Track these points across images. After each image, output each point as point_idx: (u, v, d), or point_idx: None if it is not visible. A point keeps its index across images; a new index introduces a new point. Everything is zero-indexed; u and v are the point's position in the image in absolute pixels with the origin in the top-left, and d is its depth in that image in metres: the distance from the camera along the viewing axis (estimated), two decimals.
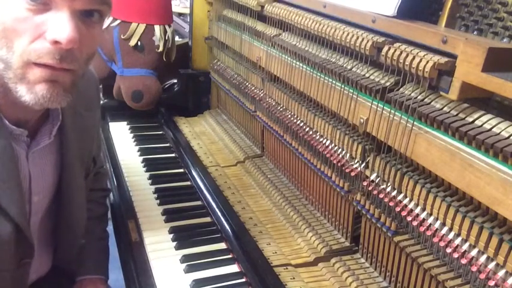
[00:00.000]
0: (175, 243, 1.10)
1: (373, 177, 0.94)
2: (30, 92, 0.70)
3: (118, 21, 1.64)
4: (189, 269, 1.01)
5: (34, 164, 0.86)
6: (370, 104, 0.92)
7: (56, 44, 0.68)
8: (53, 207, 0.95)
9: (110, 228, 1.22)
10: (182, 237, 1.12)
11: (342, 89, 1.01)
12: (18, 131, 0.80)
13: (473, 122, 0.73)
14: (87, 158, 1.00)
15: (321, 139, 1.10)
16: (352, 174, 0.99)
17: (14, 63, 0.68)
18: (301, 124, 1.18)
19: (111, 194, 1.33)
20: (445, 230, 0.78)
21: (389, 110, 0.87)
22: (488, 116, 0.72)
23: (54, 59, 0.68)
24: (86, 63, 0.76)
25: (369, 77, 0.95)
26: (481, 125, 0.71)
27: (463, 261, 0.74)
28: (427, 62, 0.77)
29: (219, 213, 1.18)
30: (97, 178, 1.18)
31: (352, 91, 0.97)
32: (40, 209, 0.91)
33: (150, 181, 1.39)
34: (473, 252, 0.73)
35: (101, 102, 1.88)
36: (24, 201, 0.82)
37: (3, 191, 0.77)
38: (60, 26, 0.67)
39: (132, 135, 1.70)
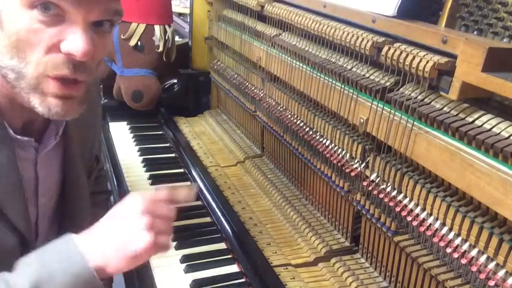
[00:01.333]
0: (175, 243, 1.10)
1: (373, 177, 0.94)
2: (44, 105, 0.70)
3: None
4: (189, 269, 1.01)
5: (42, 167, 0.86)
6: (370, 104, 0.92)
7: (70, 55, 0.68)
8: (57, 206, 0.94)
9: None
10: (182, 237, 1.12)
11: (342, 89, 1.01)
12: (26, 140, 0.80)
13: (473, 122, 0.73)
14: (88, 155, 1.00)
15: (321, 139, 1.10)
16: (352, 174, 0.99)
17: (28, 73, 0.68)
18: (301, 124, 1.18)
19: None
20: (445, 230, 0.78)
21: (389, 110, 0.87)
22: (488, 116, 0.72)
23: (68, 69, 0.68)
24: (96, 69, 0.77)
25: (369, 77, 0.95)
26: (481, 125, 0.71)
27: (463, 261, 0.74)
28: (427, 62, 0.77)
29: (219, 213, 1.18)
30: (98, 181, 1.17)
31: (352, 91, 0.97)
32: (47, 210, 0.91)
33: (150, 181, 1.39)
34: (473, 252, 0.73)
35: (101, 102, 1.89)
36: (28, 213, 0.81)
37: (12, 204, 0.76)
38: (75, 39, 0.67)
39: (132, 135, 1.70)
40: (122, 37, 1.63)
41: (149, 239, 0.69)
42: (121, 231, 0.70)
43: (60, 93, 0.70)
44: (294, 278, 0.99)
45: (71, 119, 0.89)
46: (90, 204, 1.02)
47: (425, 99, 0.82)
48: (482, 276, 0.71)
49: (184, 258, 1.04)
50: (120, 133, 1.72)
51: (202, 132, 1.75)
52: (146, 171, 1.45)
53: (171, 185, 0.78)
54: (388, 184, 0.90)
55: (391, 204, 0.88)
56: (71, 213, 0.96)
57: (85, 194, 0.98)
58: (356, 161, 1.00)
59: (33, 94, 0.70)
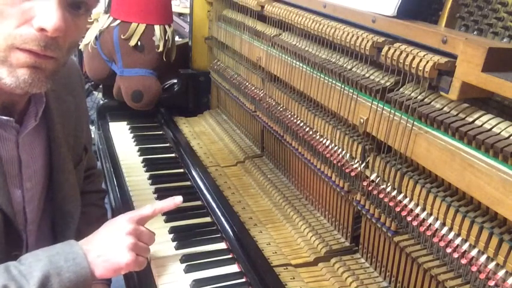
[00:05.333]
0: (175, 243, 1.10)
1: (373, 177, 0.94)
2: (12, 75, 0.71)
3: (118, 21, 1.64)
4: (189, 269, 1.01)
5: (24, 150, 0.86)
6: (370, 104, 0.92)
7: (41, 31, 0.68)
8: (47, 194, 0.95)
9: None
10: (182, 237, 1.12)
11: (342, 89, 1.01)
12: (4, 119, 0.80)
13: (473, 122, 0.73)
14: (74, 142, 1.00)
15: (321, 139, 1.10)
16: (352, 174, 0.99)
17: None
18: (301, 124, 1.18)
19: (111, 194, 1.33)
20: (445, 230, 0.78)
21: (389, 110, 0.87)
22: (488, 116, 0.72)
23: (39, 45, 0.69)
24: (68, 53, 0.78)
25: (369, 77, 0.95)
26: (481, 125, 0.71)
27: (463, 261, 0.74)
28: (427, 62, 0.77)
29: (219, 213, 1.18)
30: (91, 180, 1.17)
31: (352, 91, 0.97)
32: (34, 196, 0.91)
33: (150, 181, 1.39)
34: (473, 252, 0.73)
35: (101, 102, 1.89)
36: (8, 190, 0.82)
37: None
38: (48, 14, 0.67)
39: (132, 135, 1.70)
40: (122, 37, 1.62)
41: (130, 257, 0.85)
42: (109, 246, 0.85)
43: (30, 62, 0.70)
44: (294, 278, 0.99)
45: (52, 104, 0.90)
46: (81, 200, 1.02)
47: (425, 99, 0.82)
48: (482, 276, 0.71)
49: (185, 258, 1.04)
50: (120, 133, 1.72)
51: (202, 132, 1.76)
52: (146, 171, 1.45)
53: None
54: (388, 184, 0.90)
55: (391, 204, 0.88)
56: (60, 199, 0.96)
57: (72, 180, 0.98)
58: (356, 161, 1.00)
59: (1, 67, 0.71)
